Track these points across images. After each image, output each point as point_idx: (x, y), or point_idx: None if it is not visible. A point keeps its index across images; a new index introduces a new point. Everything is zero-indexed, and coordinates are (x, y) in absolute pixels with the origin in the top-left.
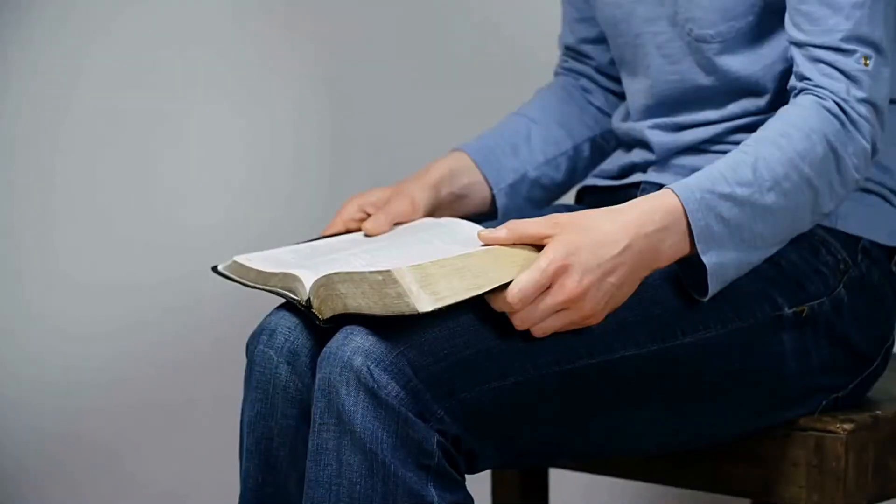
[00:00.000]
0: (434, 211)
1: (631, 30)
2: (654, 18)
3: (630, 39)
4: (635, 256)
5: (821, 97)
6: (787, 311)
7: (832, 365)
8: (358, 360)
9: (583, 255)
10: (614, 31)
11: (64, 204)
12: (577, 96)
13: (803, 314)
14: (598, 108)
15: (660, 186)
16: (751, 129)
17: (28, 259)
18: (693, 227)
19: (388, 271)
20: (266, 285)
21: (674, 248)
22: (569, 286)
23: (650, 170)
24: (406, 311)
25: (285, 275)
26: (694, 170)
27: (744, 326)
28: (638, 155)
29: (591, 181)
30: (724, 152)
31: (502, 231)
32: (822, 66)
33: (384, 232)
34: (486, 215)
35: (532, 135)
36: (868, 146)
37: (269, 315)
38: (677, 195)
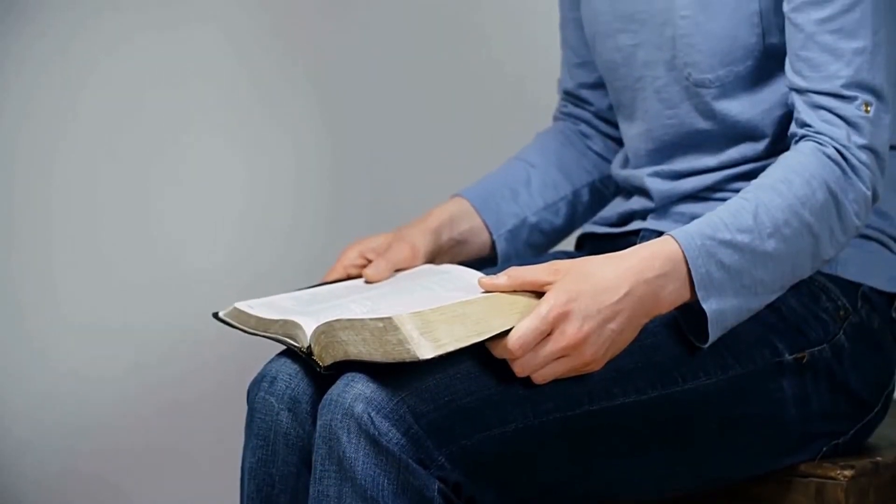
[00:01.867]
0: (434, 257)
1: (630, 74)
2: (653, 62)
3: (629, 83)
4: (636, 303)
5: (821, 144)
6: (788, 357)
7: (833, 411)
8: (359, 408)
9: (583, 302)
10: (613, 75)
11: (64, 247)
12: (576, 141)
13: (803, 360)
14: (597, 154)
15: (659, 234)
16: (749, 176)
17: (30, 302)
18: (693, 274)
19: (388, 318)
20: (267, 332)
21: (674, 295)
22: (569, 332)
23: (650, 217)
24: (407, 357)
25: (286, 322)
26: (693, 217)
27: (744, 373)
28: (637, 202)
29: (590, 228)
30: (724, 199)
31: (502, 278)
32: (822, 112)
33: (385, 278)
34: (486, 260)
35: (532, 180)
36: (868, 192)
37: (270, 362)
38: (678, 242)
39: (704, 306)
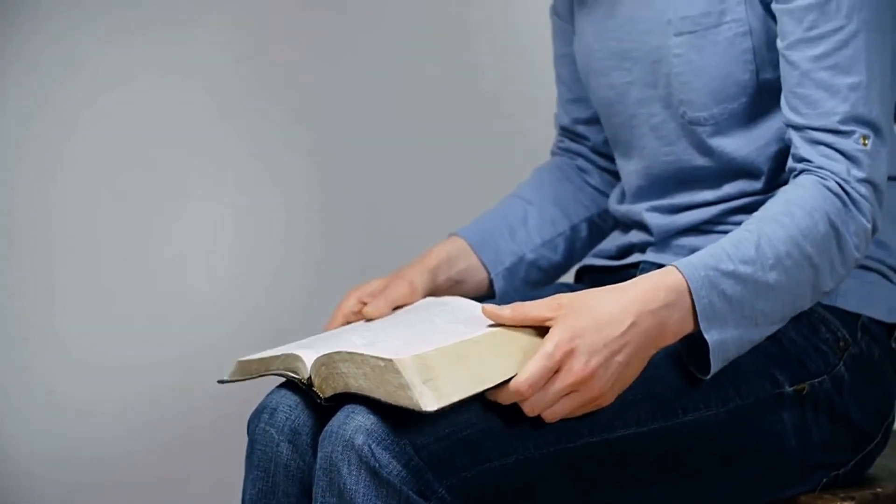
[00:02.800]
0: (432, 295)
1: (625, 111)
2: (647, 100)
3: (624, 120)
4: (641, 335)
5: (822, 177)
6: (788, 389)
7: (833, 442)
8: (360, 439)
9: (588, 337)
10: (608, 111)
11: (66, 282)
12: (573, 176)
13: (804, 392)
14: (595, 188)
15: (659, 266)
16: (747, 210)
17: (31, 336)
18: (697, 304)
19: (389, 360)
20: (269, 369)
21: (679, 325)
22: (576, 369)
23: (649, 250)
24: (409, 405)
25: (287, 356)
26: (693, 250)
27: (744, 404)
28: (636, 236)
29: (589, 261)
30: (724, 233)
31: (506, 311)
32: (821, 147)
33: (384, 315)
34: (485, 298)
35: (529, 217)
36: (868, 225)
37: (271, 393)
38: (682, 272)
39: (706, 337)
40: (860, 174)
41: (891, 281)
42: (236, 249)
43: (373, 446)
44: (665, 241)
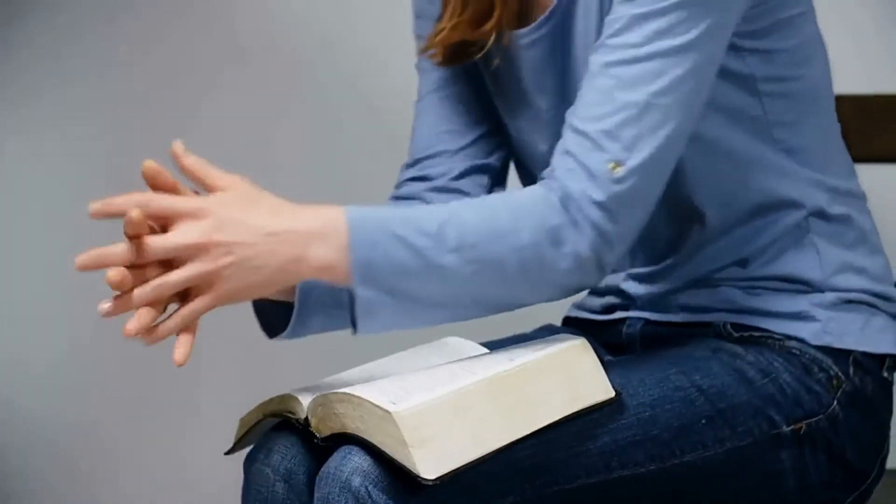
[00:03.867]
0: None
1: None
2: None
3: None
4: (277, 243)
5: (551, 189)
6: (785, 429)
7: (830, 481)
8: (356, 481)
9: (228, 228)
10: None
11: None
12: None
13: (801, 432)
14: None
15: (649, 321)
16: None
17: None
18: (352, 255)
19: (388, 413)
20: (265, 414)
21: (320, 261)
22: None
23: (633, 309)
24: (408, 465)
25: (283, 397)
26: (685, 306)
27: (742, 445)
28: (619, 297)
29: (574, 313)
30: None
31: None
32: (569, 159)
33: None
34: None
35: None
36: (587, 254)
37: (267, 433)
38: (347, 216)
39: (357, 290)
40: (597, 196)
41: (876, 308)
42: None
43: (370, 488)
44: (651, 301)
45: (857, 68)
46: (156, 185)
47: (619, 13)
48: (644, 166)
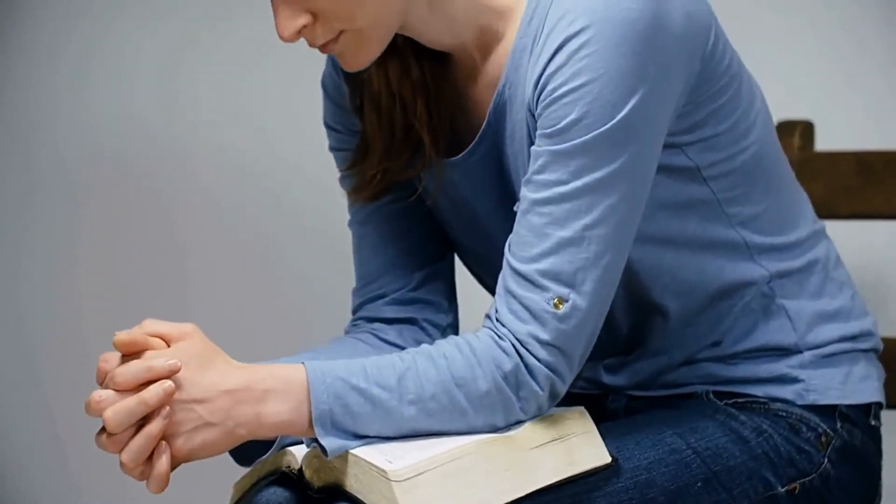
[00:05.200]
0: None
1: None
2: None
3: None
4: (231, 403)
5: (500, 336)
6: (780, 489)
7: None
8: None
9: (187, 387)
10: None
11: None
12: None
13: (795, 492)
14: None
15: (644, 399)
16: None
17: None
18: (314, 409)
19: (383, 472)
20: (260, 474)
21: (278, 417)
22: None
23: (612, 393)
24: None
25: (275, 457)
26: (662, 384)
27: None
28: (597, 387)
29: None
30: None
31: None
32: (512, 301)
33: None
34: None
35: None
36: (543, 392)
37: (259, 487)
38: (306, 371)
39: (323, 442)
40: (544, 336)
41: (856, 352)
42: None
43: None
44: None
45: (858, 125)
46: (129, 353)
47: (543, 148)
48: (587, 298)
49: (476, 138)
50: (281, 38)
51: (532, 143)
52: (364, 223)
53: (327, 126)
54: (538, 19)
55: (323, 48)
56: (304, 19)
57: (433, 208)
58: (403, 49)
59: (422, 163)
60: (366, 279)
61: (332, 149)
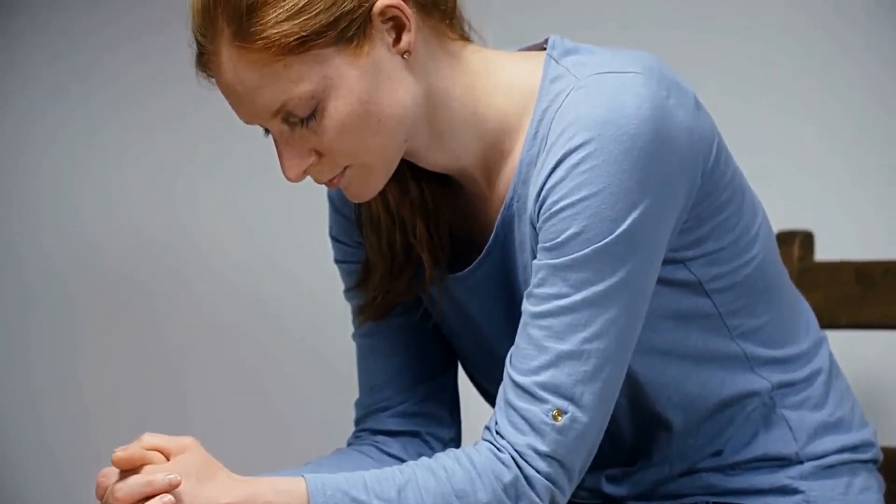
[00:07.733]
0: None
1: None
2: None
3: None
4: None
5: (499, 448)
6: None
7: None
8: None
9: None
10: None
11: None
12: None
13: None
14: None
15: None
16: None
17: None
18: None
19: None
20: None
21: None
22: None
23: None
24: None
25: None
26: (663, 494)
27: None
28: (598, 498)
29: None
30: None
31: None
32: (512, 413)
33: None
34: None
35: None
36: (543, 502)
37: None
38: (307, 485)
39: None
40: (543, 448)
41: (856, 463)
42: None
43: None
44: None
45: (856, 235)
46: (128, 470)
47: (543, 261)
48: (587, 412)
49: (483, 252)
50: (288, 179)
51: (535, 257)
52: (368, 335)
53: (333, 239)
54: (543, 131)
55: (328, 183)
56: (309, 160)
57: (438, 321)
58: (401, 170)
59: (423, 283)
60: (369, 390)
61: (337, 261)
